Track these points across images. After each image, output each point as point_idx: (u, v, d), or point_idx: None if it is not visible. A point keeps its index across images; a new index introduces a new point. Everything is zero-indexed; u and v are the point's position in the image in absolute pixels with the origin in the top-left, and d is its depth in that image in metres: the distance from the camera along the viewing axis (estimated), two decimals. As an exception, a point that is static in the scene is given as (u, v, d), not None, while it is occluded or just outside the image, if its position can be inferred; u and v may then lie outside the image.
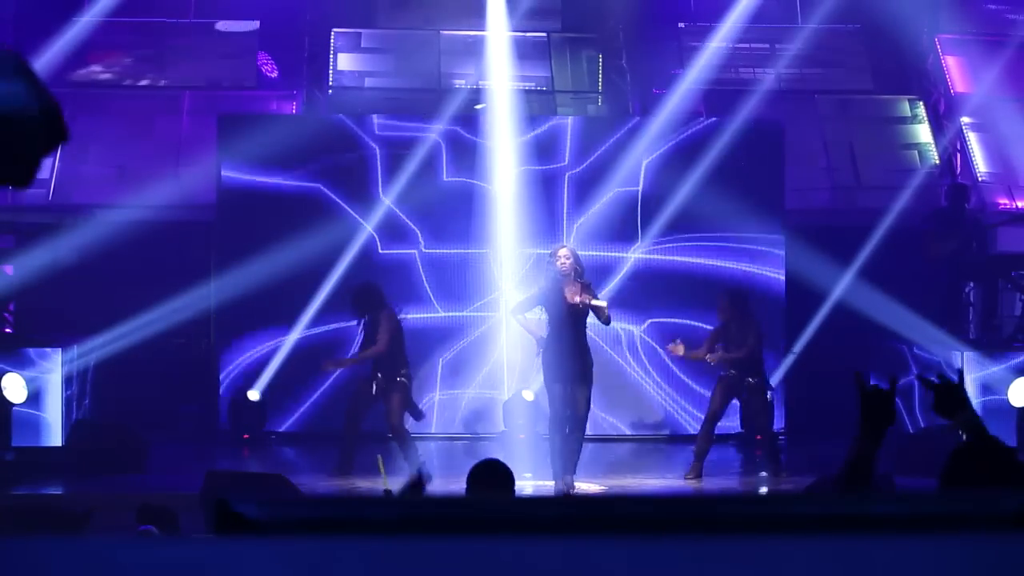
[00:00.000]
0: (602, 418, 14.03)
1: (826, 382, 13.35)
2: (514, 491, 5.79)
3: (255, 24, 16.48)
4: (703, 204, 14.10)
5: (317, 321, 14.12)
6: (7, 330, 13.76)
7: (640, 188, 14.44)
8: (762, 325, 12.34)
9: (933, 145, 15.98)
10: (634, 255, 14.37)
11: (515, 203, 14.34)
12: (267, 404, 14.16)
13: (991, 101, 15.94)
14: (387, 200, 14.27)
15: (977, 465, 3.81)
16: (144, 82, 16.26)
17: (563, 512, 1.66)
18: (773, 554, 1.50)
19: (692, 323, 13.39)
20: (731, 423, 13.75)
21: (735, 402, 12.73)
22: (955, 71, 16.47)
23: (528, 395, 13.79)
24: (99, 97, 15.86)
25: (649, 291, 14.35)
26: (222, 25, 16.58)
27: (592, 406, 11.45)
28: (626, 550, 1.49)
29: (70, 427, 12.45)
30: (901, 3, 15.74)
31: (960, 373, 4.44)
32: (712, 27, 16.11)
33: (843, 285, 14.19)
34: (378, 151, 14.36)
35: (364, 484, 11.22)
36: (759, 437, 12.90)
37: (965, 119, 15.96)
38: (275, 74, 16.45)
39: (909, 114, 16.36)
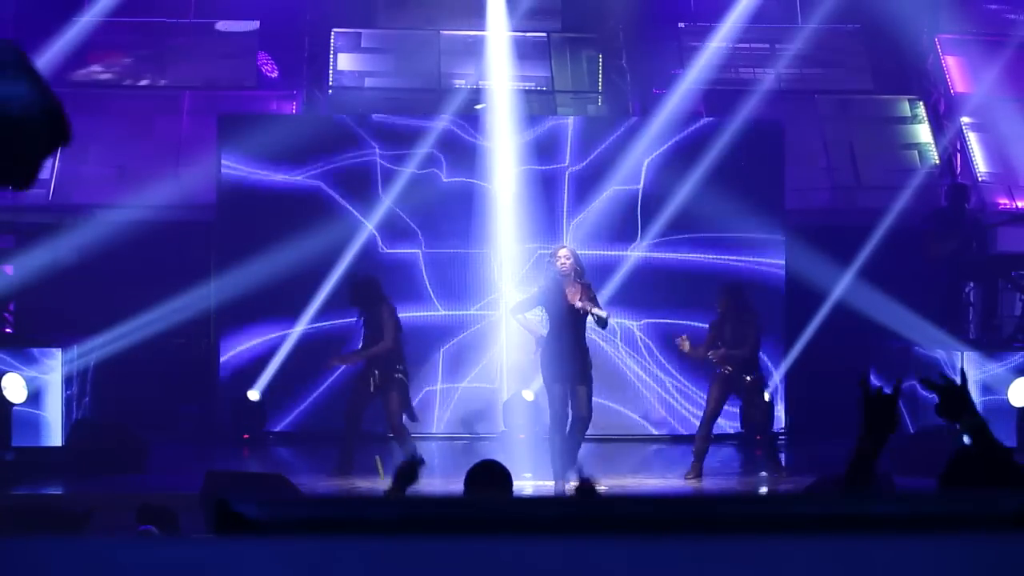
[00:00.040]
0: (602, 418, 14.01)
1: (826, 382, 13.37)
2: (512, 492, 5.78)
3: (255, 24, 16.48)
4: (703, 204, 14.10)
5: (317, 321, 14.12)
6: (7, 330, 13.76)
7: (640, 188, 14.44)
8: (762, 326, 12.34)
9: (933, 145, 15.98)
10: (634, 254, 14.37)
11: (515, 202, 14.35)
12: (267, 404, 14.16)
13: (991, 101, 15.94)
14: (387, 199, 14.27)
15: (976, 468, 3.80)
16: (144, 82, 16.26)
17: (563, 512, 1.66)
18: (773, 554, 1.50)
19: (691, 323, 13.36)
20: (731, 423, 13.75)
21: (735, 402, 12.72)
22: (955, 71, 16.47)
23: (528, 395, 13.79)
24: (99, 97, 15.85)
25: (648, 290, 14.35)
26: (222, 25, 16.58)
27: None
28: (626, 550, 1.49)
29: (70, 427, 12.45)
30: (901, 3, 15.74)
31: (963, 375, 4.40)
32: (712, 27, 16.11)
33: (843, 285, 14.19)
34: (378, 151, 14.36)
35: (364, 484, 11.23)
36: (759, 437, 12.90)
37: (965, 119, 15.96)
38: (275, 74, 16.45)
39: (909, 114, 16.36)
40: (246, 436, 14.01)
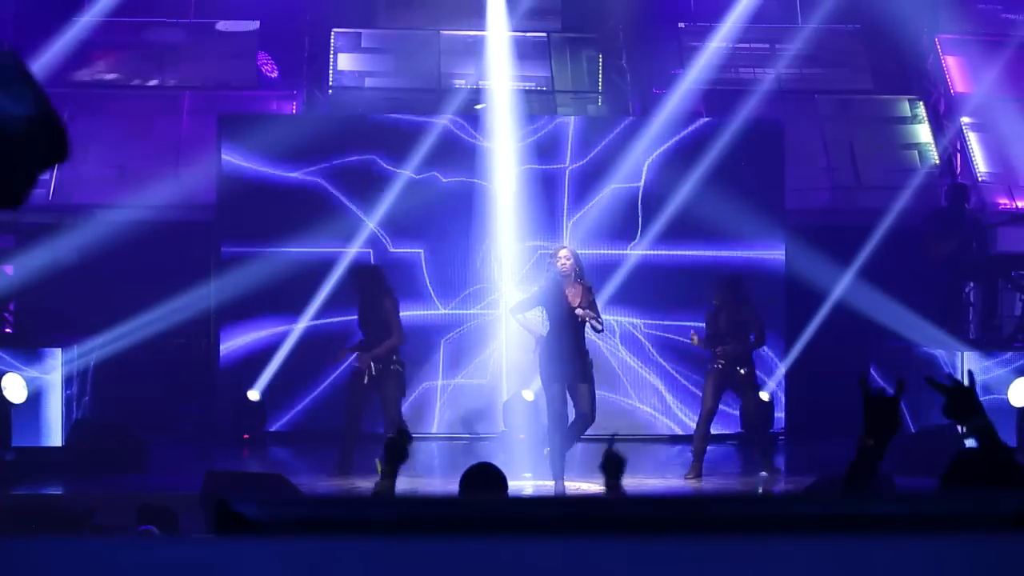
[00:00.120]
0: (601, 417, 14.01)
1: (826, 382, 13.36)
2: (507, 495, 5.77)
3: (255, 24, 16.47)
4: (703, 204, 14.10)
5: (316, 322, 14.12)
6: (7, 330, 13.76)
7: (640, 187, 14.44)
8: (762, 322, 12.33)
9: (933, 145, 15.97)
10: (633, 253, 14.37)
11: (515, 202, 14.35)
12: (267, 404, 14.17)
13: (991, 101, 15.94)
14: (388, 199, 14.27)
15: (978, 470, 3.79)
16: (144, 82, 16.26)
17: (563, 512, 1.66)
18: (773, 554, 1.50)
19: (689, 324, 13.36)
20: (730, 423, 13.75)
21: (735, 403, 12.72)
22: (955, 71, 16.47)
23: (528, 395, 13.79)
24: (99, 97, 15.86)
25: (648, 290, 14.35)
26: (222, 25, 16.58)
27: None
28: (626, 550, 1.49)
29: (70, 427, 12.45)
30: (901, 3, 15.74)
31: (971, 376, 4.38)
32: (712, 27, 16.11)
33: (843, 285, 14.19)
34: (378, 150, 14.36)
35: (364, 484, 11.21)
36: (751, 433, 12.89)
37: (965, 119, 15.96)
38: (275, 74, 16.45)
39: (909, 114, 16.36)
40: (246, 436, 14.01)
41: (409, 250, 14.35)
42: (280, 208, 14.17)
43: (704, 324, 12.21)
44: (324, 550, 1.49)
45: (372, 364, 11.79)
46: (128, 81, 16.24)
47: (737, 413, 13.43)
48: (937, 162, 15.89)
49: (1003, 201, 15.52)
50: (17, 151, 2.22)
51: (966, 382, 4.23)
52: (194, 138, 15.34)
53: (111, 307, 13.70)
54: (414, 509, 1.68)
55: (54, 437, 12.32)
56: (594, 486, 11.26)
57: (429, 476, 11.70)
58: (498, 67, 15.32)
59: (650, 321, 14.42)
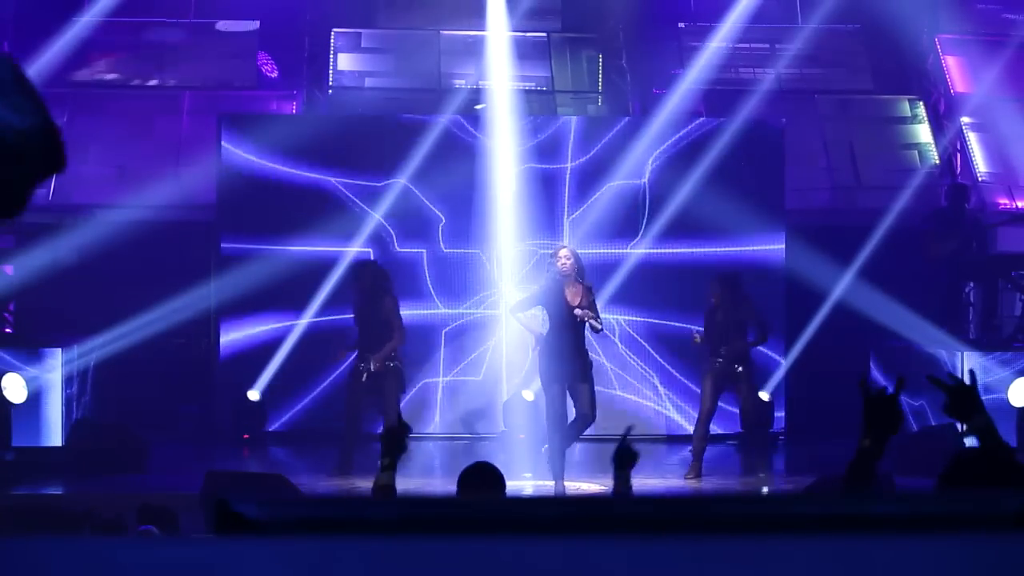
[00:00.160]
0: (601, 417, 14.01)
1: (826, 382, 13.36)
2: (504, 495, 5.75)
3: (255, 24, 16.47)
4: (703, 204, 14.10)
5: (317, 319, 14.12)
6: (7, 330, 13.77)
7: (641, 186, 14.45)
8: (764, 321, 12.33)
9: (933, 145, 15.97)
10: (633, 252, 14.38)
11: (515, 201, 14.35)
12: (267, 404, 14.17)
13: (991, 101, 15.94)
14: (388, 199, 14.27)
15: (977, 469, 3.78)
16: (144, 82, 16.26)
17: (563, 512, 1.66)
18: (773, 554, 1.50)
19: (689, 323, 13.36)
20: (730, 423, 13.75)
21: (735, 404, 12.72)
22: (955, 71, 16.47)
23: (528, 395, 13.79)
24: (99, 97, 15.86)
25: (647, 290, 14.36)
26: (222, 25, 16.58)
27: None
28: (626, 550, 1.49)
29: (70, 427, 12.45)
30: (901, 3, 15.74)
31: (972, 375, 4.39)
32: (712, 27, 16.11)
33: (843, 285, 14.19)
34: (377, 151, 14.36)
35: (364, 484, 11.21)
36: (747, 431, 12.89)
37: (965, 119, 15.96)
38: (275, 74, 16.46)
39: (909, 114, 16.36)
40: (246, 436, 14.01)
41: (411, 250, 14.35)
42: (280, 207, 14.17)
43: (704, 320, 12.21)
44: (324, 550, 1.49)
45: (372, 363, 11.80)
46: (128, 81, 16.24)
47: (737, 412, 13.42)
48: (937, 162, 15.89)
49: (1003, 201, 15.53)
50: (16, 161, 2.20)
51: (968, 381, 4.24)
52: (194, 138, 15.34)
53: (111, 307, 13.70)
54: (414, 509, 1.68)
55: (54, 437, 12.32)
56: (594, 486, 11.27)
57: (429, 476, 11.70)
58: (498, 67, 15.32)
59: (650, 320, 14.41)
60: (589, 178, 14.47)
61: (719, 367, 11.99)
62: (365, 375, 11.82)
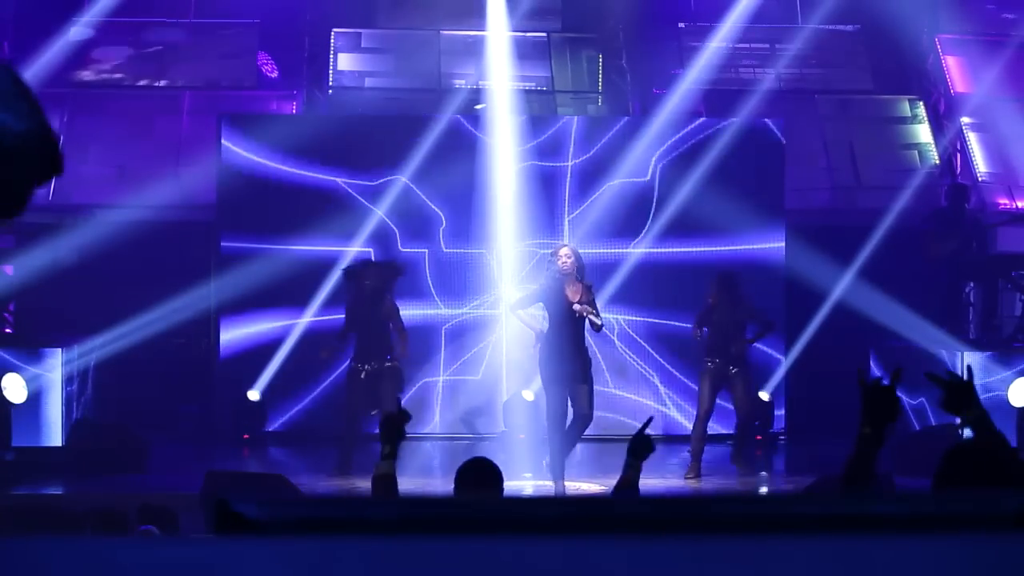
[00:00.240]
0: (601, 417, 14.02)
1: (826, 382, 13.35)
2: (502, 490, 5.72)
3: (255, 24, 16.48)
4: (703, 204, 14.11)
5: (315, 322, 14.12)
6: (7, 330, 13.77)
7: (649, 186, 14.45)
8: (764, 317, 12.32)
9: (933, 145, 15.97)
10: (633, 251, 14.38)
11: (516, 201, 14.35)
12: (267, 404, 14.17)
13: (991, 101, 15.94)
14: (388, 199, 14.27)
15: (973, 464, 3.80)
16: (144, 82, 16.26)
17: (563, 512, 1.66)
18: (773, 554, 1.50)
19: (689, 323, 13.36)
20: (730, 423, 13.74)
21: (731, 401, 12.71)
22: (955, 71, 16.47)
23: (528, 395, 13.79)
24: (99, 97, 15.86)
25: (647, 289, 14.36)
26: (222, 25, 16.57)
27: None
28: (626, 550, 1.49)
29: (70, 427, 12.45)
30: (901, 3, 15.74)
31: (970, 370, 4.44)
32: (712, 27, 16.11)
33: (843, 285, 14.19)
34: (377, 151, 14.36)
35: (364, 484, 11.21)
36: (759, 437, 12.88)
37: (965, 119, 15.96)
38: (275, 74, 16.46)
39: (909, 114, 16.36)
40: (246, 436, 14.01)
41: (414, 249, 14.35)
42: (280, 207, 14.17)
43: (698, 317, 12.22)
44: (324, 550, 1.49)
45: (370, 363, 11.80)
46: (128, 81, 16.24)
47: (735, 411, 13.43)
48: (937, 162, 15.89)
49: (1003, 201, 15.52)
50: (14, 165, 2.21)
51: (965, 377, 4.30)
52: (194, 138, 15.34)
53: (111, 307, 13.70)
54: (414, 509, 1.68)
55: (54, 437, 12.32)
56: (594, 486, 11.27)
57: (429, 476, 11.70)
58: (498, 67, 15.32)
59: (649, 320, 14.41)
60: (589, 178, 14.47)
61: (714, 368, 11.99)
62: (364, 375, 11.82)
